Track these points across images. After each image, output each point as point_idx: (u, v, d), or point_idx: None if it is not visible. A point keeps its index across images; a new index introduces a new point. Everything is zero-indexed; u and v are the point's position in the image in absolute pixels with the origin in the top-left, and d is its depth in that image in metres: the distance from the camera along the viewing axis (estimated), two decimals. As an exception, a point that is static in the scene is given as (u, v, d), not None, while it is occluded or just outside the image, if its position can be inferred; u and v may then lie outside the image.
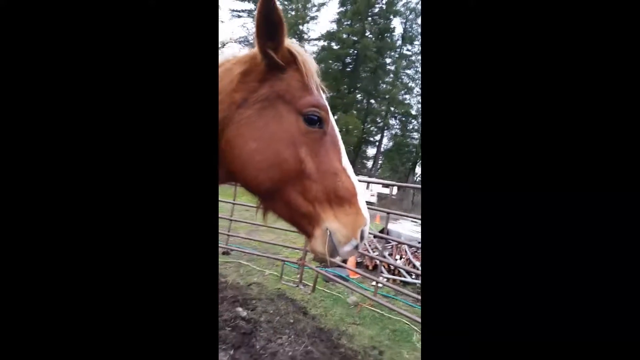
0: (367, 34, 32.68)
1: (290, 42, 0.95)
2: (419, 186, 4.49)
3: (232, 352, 2.89)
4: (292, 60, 0.94)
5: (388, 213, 4.67)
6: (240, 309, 3.66)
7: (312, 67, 0.96)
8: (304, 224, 0.95)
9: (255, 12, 0.90)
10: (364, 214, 0.94)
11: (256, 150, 0.89)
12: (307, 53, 0.98)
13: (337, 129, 0.99)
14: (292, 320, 3.72)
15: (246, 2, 36.55)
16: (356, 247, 0.95)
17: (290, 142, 0.90)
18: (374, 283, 4.97)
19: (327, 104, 0.99)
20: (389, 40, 33.73)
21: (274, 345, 3.14)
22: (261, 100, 0.91)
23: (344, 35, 33.08)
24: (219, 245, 5.99)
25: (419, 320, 3.50)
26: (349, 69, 34.24)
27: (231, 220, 6.06)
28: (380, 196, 24.29)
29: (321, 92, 1.00)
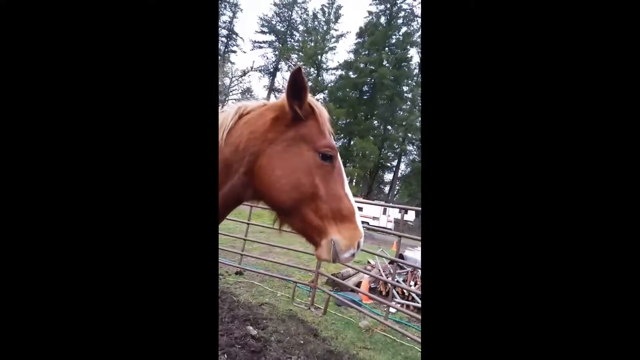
0: (384, 63, 33.60)
1: (311, 98, 1.24)
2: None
3: (240, 368, 2.92)
4: (311, 112, 1.24)
5: (400, 237, 4.78)
6: (250, 328, 3.68)
7: (326, 117, 1.26)
8: (314, 235, 1.19)
9: (288, 77, 1.20)
10: (360, 229, 1.20)
11: (281, 176, 1.16)
12: (322, 106, 1.28)
13: (342, 165, 1.28)
14: (302, 341, 3.70)
15: (267, 35, 38.76)
16: (353, 255, 1.18)
17: (308, 172, 1.17)
18: (387, 308, 4.89)
19: (335, 145, 1.27)
20: (406, 69, 34.46)
21: (283, 365, 3.13)
22: (288, 140, 1.20)
23: (362, 65, 34.13)
24: (233, 265, 6.08)
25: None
26: (366, 97, 35.00)
27: (245, 240, 6.19)
28: (398, 222, 23.84)
29: (331, 136, 1.29)
